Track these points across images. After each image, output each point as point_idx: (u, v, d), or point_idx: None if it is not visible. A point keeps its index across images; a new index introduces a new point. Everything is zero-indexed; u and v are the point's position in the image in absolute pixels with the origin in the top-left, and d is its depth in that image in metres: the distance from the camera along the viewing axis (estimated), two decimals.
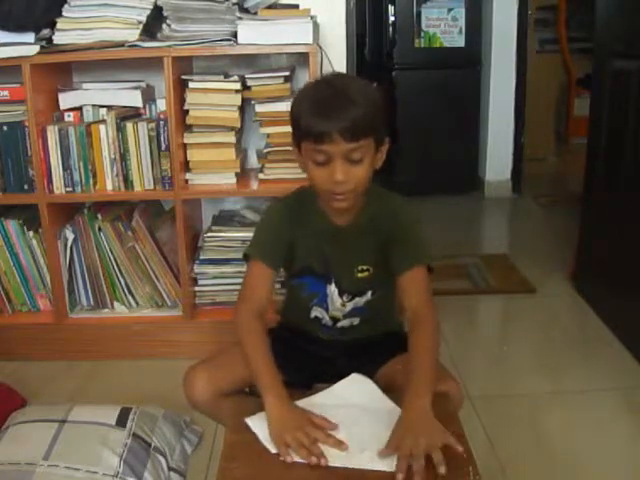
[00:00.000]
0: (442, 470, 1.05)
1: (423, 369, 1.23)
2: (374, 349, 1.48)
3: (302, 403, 1.25)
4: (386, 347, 1.46)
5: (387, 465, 1.09)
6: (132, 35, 2.09)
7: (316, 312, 1.48)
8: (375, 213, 1.40)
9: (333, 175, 1.25)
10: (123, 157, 2.21)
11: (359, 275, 1.42)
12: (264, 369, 1.27)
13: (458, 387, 1.38)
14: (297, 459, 1.12)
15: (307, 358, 1.48)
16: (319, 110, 1.23)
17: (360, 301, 1.45)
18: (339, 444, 1.13)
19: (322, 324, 1.49)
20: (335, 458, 1.11)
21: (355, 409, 1.24)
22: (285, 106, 2.19)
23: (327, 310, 1.47)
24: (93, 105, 2.26)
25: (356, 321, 1.48)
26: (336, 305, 1.45)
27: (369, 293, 1.44)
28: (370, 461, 1.11)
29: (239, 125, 2.23)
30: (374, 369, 1.43)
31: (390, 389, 1.30)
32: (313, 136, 1.24)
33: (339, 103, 1.22)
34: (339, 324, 1.48)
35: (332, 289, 1.44)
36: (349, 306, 1.45)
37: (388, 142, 1.35)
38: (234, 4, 2.10)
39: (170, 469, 1.67)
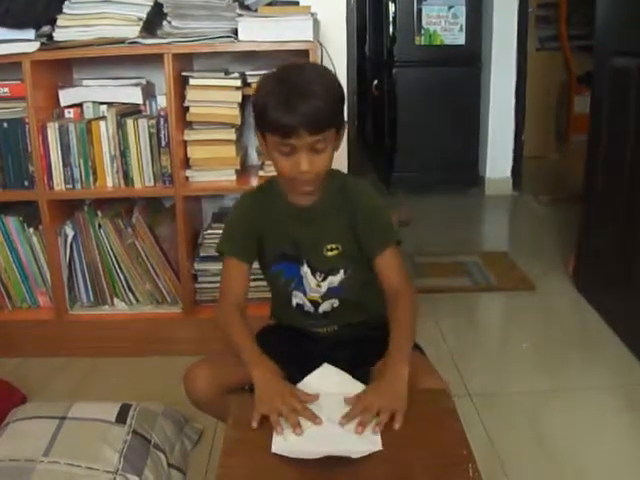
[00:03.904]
0: (376, 429, 1.15)
1: (400, 340, 1.33)
2: (370, 345, 1.49)
3: None
4: (381, 342, 1.47)
5: (373, 444, 1.12)
6: (132, 32, 2.09)
7: (296, 299, 1.51)
8: (339, 193, 1.46)
9: (298, 165, 1.31)
10: (123, 154, 2.21)
11: (329, 254, 1.46)
12: (248, 346, 1.35)
13: (442, 385, 1.38)
14: (288, 431, 1.16)
15: (303, 355, 1.49)
16: (284, 106, 1.27)
17: (334, 280, 1.48)
18: (313, 418, 1.18)
19: (304, 311, 1.51)
20: (322, 446, 1.12)
21: (329, 397, 1.25)
22: None
23: (305, 293, 1.50)
24: (93, 102, 2.26)
25: (336, 303, 1.50)
26: (312, 286, 1.48)
27: (341, 272, 1.48)
28: (354, 443, 1.12)
29: (239, 122, 2.23)
30: (369, 364, 1.44)
31: None
32: (279, 131, 1.29)
33: (303, 98, 1.27)
34: (320, 309, 1.51)
35: (305, 270, 1.47)
36: (324, 286, 1.48)
37: (346, 125, 1.42)
38: (234, 1, 2.10)
39: (170, 466, 1.67)
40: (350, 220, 1.45)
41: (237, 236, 1.50)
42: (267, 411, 1.19)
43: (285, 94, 1.28)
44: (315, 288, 1.48)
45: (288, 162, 1.33)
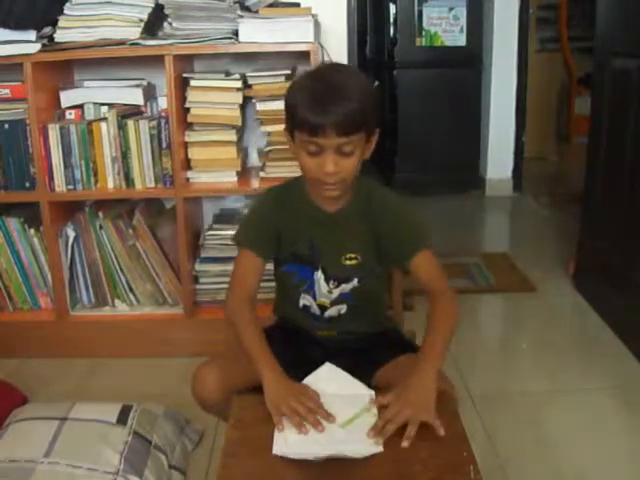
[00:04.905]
0: (404, 444, 1.13)
1: (433, 345, 1.31)
2: (372, 350, 1.49)
3: None
4: (384, 348, 1.47)
5: (374, 445, 1.12)
6: (133, 33, 2.09)
7: (304, 300, 1.49)
8: (364, 201, 1.44)
9: (324, 166, 1.29)
10: (124, 155, 2.21)
11: (347, 263, 1.44)
12: (259, 349, 1.33)
13: (451, 389, 1.38)
14: (289, 431, 1.16)
15: (305, 359, 1.47)
16: (315, 104, 1.26)
17: (346, 287, 1.46)
18: (327, 416, 1.18)
19: (310, 313, 1.50)
20: (323, 447, 1.12)
21: (330, 398, 1.25)
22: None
23: (315, 297, 1.48)
24: (94, 103, 2.26)
25: (343, 309, 1.49)
26: (323, 292, 1.47)
27: (355, 280, 1.46)
28: (355, 444, 1.12)
29: (240, 123, 2.23)
30: (372, 370, 1.44)
31: (388, 390, 1.30)
32: (307, 128, 1.27)
33: (334, 98, 1.25)
34: (327, 313, 1.49)
35: (319, 275, 1.46)
36: (335, 293, 1.47)
37: (377, 132, 1.39)
38: (235, 2, 2.10)
39: (171, 467, 1.68)
40: (374, 228, 1.43)
41: (255, 229, 1.48)
42: (286, 411, 1.18)
43: (318, 92, 1.27)
44: (326, 294, 1.47)
45: (314, 162, 1.30)
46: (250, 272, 1.45)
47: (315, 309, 1.49)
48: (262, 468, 1.12)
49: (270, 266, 1.53)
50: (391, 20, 4.42)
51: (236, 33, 2.11)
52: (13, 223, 2.31)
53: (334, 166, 1.29)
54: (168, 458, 1.68)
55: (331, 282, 1.46)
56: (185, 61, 2.27)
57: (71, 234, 2.30)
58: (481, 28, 4.33)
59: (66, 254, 2.31)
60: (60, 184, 2.21)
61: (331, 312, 1.49)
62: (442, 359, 1.29)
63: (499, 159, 4.47)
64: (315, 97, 1.26)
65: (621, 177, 2.42)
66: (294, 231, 1.45)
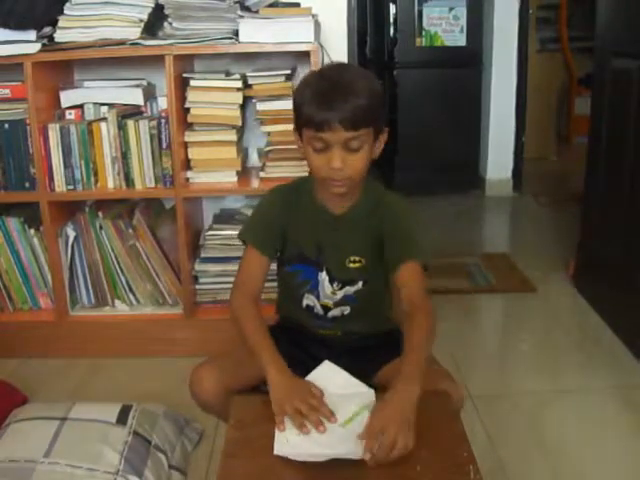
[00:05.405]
0: (372, 463, 1.09)
1: (411, 364, 1.22)
2: (374, 350, 1.49)
3: None
4: (386, 348, 1.47)
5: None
6: (133, 33, 2.09)
7: (308, 300, 1.50)
8: (372, 205, 1.44)
9: (331, 162, 1.29)
10: (124, 155, 2.21)
11: (351, 265, 1.44)
12: (264, 345, 1.32)
13: (456, 388, 1.38)
14: (290, 431, 1.15)
15: (307, 358, 1.48)
16: (321, 99, 1.27)
17: (350, 289, 1.47)
18: (330, 416, 1.17)
19: (314, 313, 1.50)
20: (324, 447, 1.12)
21: (329, 396, 1.24)
22: (286, 104, 2.19)
23: (318, 298, 1.48)
24: (94, 103, 2.26)
25: (347, 310, 1.49)
26: (327, 293, 1.47)
27: (360, 283, 1.46)
28: (356, 444, 1.12)
29: (240, 123, 2.23)
30: (374, 370, 1.44)
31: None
32: (314, 124, 1.28)
33: (341, 93, 1.26)
34: (330, 313, 1.49)
35: (323, 276, 1.46)
36: (339, 294, 1.47)
37: (386, 132, 1.39)
38: (235, 2, 2.10)
39: (171, 467, 1.67)
40: (379, 234, 1.43)
41: (261, 228, 1.48)
42: (289, 412, 1.17)
43: (324, 89, 1.28)
44: (330, 295, 1.47)
45: (321, 159, 1.30)
46: (255, 270, 1.46)
47: (318, 309, 1.49)
48: (262, 468, 1.12)
49: (273, 266, 1.53)
50: (391, 20, 4.41)
51: (236, 33, 2.11)
52: (13, 223, 2.31)
53: (341, 162, 1.29)
54: (168, 458, 1.68)
55: (335, 284, 1.46)
56: (185, 61, 2.27)
57: (71, 234, 2.30)
58: (481, 28, 4.33)
59: (66, 254, 2.31)
60: (60, 184, 2.21)
61: (334, 312, 1.49)
62: (419, 383, 1.18)
63: (499, 159, 4.47)
64: (321, 93, 1.27)
65: (621, 177, 2.42)
66: (300, 231, 1.46)
